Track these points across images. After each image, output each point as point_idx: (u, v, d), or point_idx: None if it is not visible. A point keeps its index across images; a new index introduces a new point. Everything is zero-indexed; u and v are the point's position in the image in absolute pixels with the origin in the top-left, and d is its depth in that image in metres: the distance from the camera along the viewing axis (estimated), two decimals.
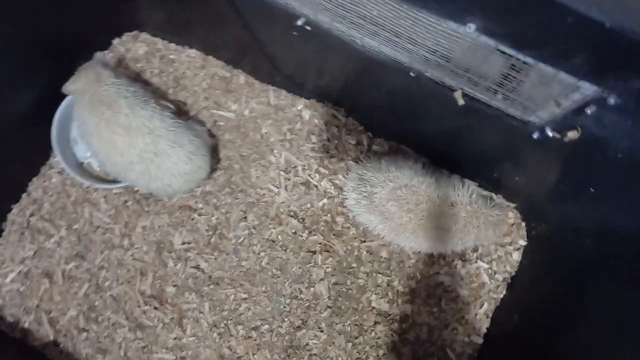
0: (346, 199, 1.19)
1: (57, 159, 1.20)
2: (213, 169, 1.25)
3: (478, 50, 0.72)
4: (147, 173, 1.09)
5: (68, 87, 1.12)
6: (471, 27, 0.67)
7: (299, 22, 0.91)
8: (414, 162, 1.18)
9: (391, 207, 1.09)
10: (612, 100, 0.67)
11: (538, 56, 0.67)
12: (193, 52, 1.31)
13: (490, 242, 1.17)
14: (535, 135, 0.86)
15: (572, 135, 0.79)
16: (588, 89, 0.68)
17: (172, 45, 1.31)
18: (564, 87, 0.70)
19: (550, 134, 0.82)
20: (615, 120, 0.71)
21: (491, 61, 0.73)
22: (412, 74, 0.86)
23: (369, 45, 0.86)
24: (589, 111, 0.72)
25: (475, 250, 1.22)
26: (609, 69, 0.63)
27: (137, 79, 1.29)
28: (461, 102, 0.86)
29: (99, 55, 1.29)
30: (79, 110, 1.10)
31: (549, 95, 0.74)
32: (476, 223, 1.11)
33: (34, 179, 1.25)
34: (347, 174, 1.24)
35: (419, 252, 1.19)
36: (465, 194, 1.12)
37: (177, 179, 1.13)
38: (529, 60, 0.68)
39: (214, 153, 1.26)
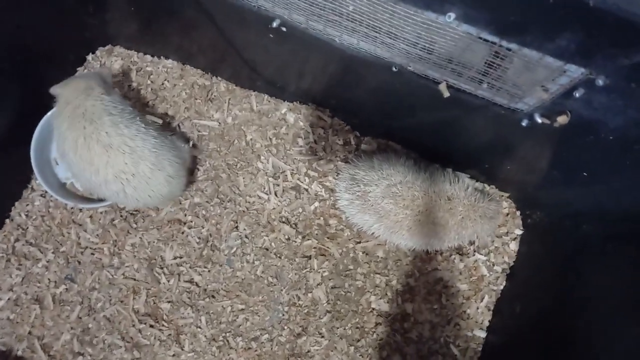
0: (338, 200, 1.17)
1: (38, 181, 1.17)
2: (200, 180, 1.23)
3: (460, 40, 0.70)
4: (121, 192, 1.06)
5: (55, 89, 1.07)
6: (451, 16, 0.65)
7: (274, 24, 0.88)
8: (405, 158, 1.16)
9: (386, 205, 1.07)
10: (600, 81, 0.65)
11: (521, 41, 0.65)
12: (170, 62, 1.28)
13: (487, 236, 1.16)
14: (524, 123, 0.84)
15: (561, 120, 0.77)
16: (575, 71, 0.66)
17: (148, 57, 1.28)
18: (550, 72, 0.68)
19: (539, 120, 0.81)
20: (604, 101, 0.70)
21: (474, 50, 0.71)
22: (394, 68, 0.84)
23: (348, 42, 0.84)
24: (577, 94, 0.70)
25: (471, 243, 1.20)
26: (595, 49, 0.61)
27: None
28: (446, 94, 0.84)
29: (103, 69, 1.25)
30: (58, 119, 1.05)
31: (536, 81, 0.72)
32: (473, 217, 1.09)
33: (16, 203, 1.22)
34: (337, 175, 1.22)
35: (415, 249, 1.17)
36: (462, 188, 1.11)
37: (152, 200, 1.10)
38: (512, 46, 0.66)
39: (196, 164, 1.24)
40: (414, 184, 1.08)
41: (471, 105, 0.86)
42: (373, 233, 1.14)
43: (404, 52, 0.78)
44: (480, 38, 0.67)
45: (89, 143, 1.01)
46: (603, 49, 0.60)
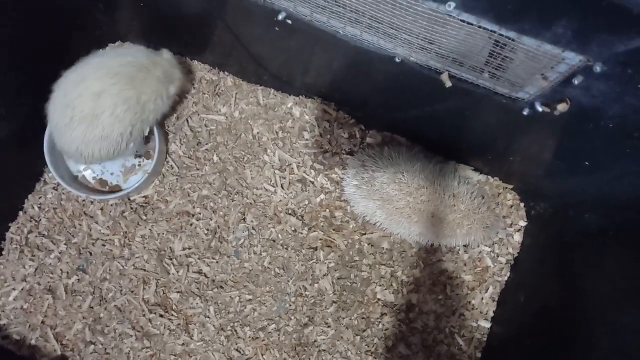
0: (345, 187, 1.18)
1: (51, 174, 1.20)
2: (208, 173, 1.25)
3: (460, 29, 0.71)
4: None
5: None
6: (451, 5, 0.66)
7: (280, 17, 0.90)
8: (416, 150, 1.18)
9: (391, 190, 1.09)
10: (598, 68, 0.66)
11: (519, 29, 0.66)
12: (179, 57, 1.31)
13: (479, 243, 1.17)
14: (525, 112, 0.85)
15: (561, 107, 0.78)
16: (573, 58, 0.67)
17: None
18: (549, 59, 0.69)
19: (540, 108, 0.82)
20: (603, 88, 0.71)
21: (474, 39, 0.73)
22: (397, 59, 0.86)
23: (352, 34, 0.85)
24: (576, 81, 0.71)
25: (464, 245, 1.21)
26: (592, 35, 0.62)
27: None
28: (448, 84, 0.85)
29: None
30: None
31: (535, 69, 0.73)
32: (472, 219, 1.11)
33: (29, 196, 1.25)
34: (347, 162, 1.23)
35: (417, 241, 1.19)
36: (468, 190, 1.12)
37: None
38: (511, 34, 0.68)
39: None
40: (420, 173, 1.10)
41: (473, 95, 0.87)
42: (375, 222, 1.16)
43: (406, 42, 0.80)
44: (480, 27, 0.69)
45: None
46: (599, 36, 0.62)
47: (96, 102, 1.04)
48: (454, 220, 1.11)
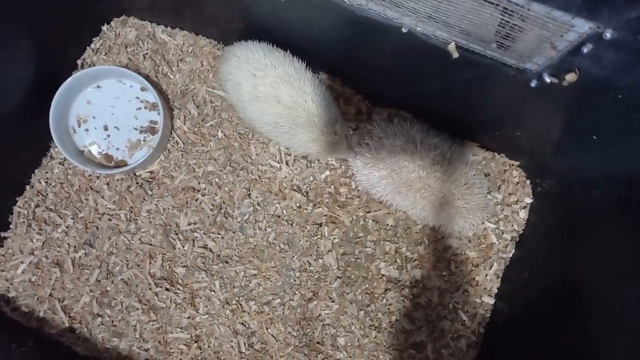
0: (352, 164, 1.18)
1: (57, 149, 1.20)
2: (213, 149, 1.25)
3: None
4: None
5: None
6: None
7: None
8: (421, 124, 1.18)
9: (402, 160, 1.09)
10: (608, 35, 0.65)
11: None
12: (183, 33, 1.30)
13: (465, 225, 1.17)
14: (533, 84, 0.85)
15: (570, 78, 0.77)
16: (583, 25, 0.66)
17: (162, 28, 1.30)
18: (558, 27, 0.68)
19: (548, 79, 0.81)
20: (612, 57, 0.70)
21: (482, 7, 0.71)
22: (403, 29, 0.85)
23: (357, 3, 0.84)
24: (585, 50, 0.70)
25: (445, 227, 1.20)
26: (602, 1, 0.61)
27: (129, 64, 1.28)
28: (455, 54, 0.84)
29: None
30: None
31: (544, 38, 0.72)
32: (477, 214, 1.13)
33: (36, 170, 1.25)
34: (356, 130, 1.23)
35: (419, 216, 1.18)
36: (479, 180, 1.14)
37: None
38: (520, 0, 0.67)
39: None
40: (438, 149, 1.10)
41: (480, 67, 0.86)
42: (380, 197, 1.16)
43: (412, 11, 0.79)
44: None
45: None
46: (609, 1, 0.60)
47: None
48: (457, 209, 1.11)
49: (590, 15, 0.64)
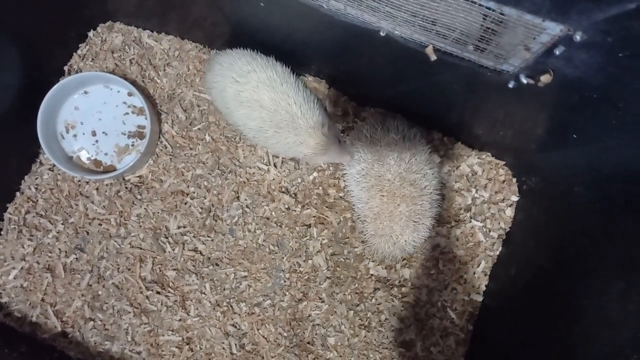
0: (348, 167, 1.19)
1: (46, 155, 1.21)
2: (201, 153, 1.26)
3: (442, 0, 0.71)
4: None
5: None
6: None
7: None
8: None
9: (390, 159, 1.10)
10: (578, 37, 0.66)
11: None
12: (169, 37, 1.31)
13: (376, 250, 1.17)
14: (510, 84, 0.85)
15: (545, 79, 0.78)
16: (554, 28, 0.67)
17: (147, 32, 1.31)
18: (530, 30, 0.69)
19: (524, 80, 0.82)
20: (584, 57, 0.70)
21: (456, 10, 0.72)
22: (381, 33, 0.86)
23: (335, 8, 0.85)
24: (557, 52, 0.71)
25: (468, 209, 1.22)
26: (570, 3, 0.61)
27: (115, 69, 1.29)
28: (433, 57, 0.85)
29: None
30: None
31: (518, 40, 0.73)
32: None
33: (25, 177, 1.26)
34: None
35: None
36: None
37: None
38: (491, 4, 0.67)
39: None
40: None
41: (459, 68, 0.87)
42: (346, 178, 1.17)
43: (389, 15, 0.80)
44: None
45: None
46: (577, 4, 0.61)
47: None
48: (389, 234, 1.11)
49: (560, 17, 0.65)
